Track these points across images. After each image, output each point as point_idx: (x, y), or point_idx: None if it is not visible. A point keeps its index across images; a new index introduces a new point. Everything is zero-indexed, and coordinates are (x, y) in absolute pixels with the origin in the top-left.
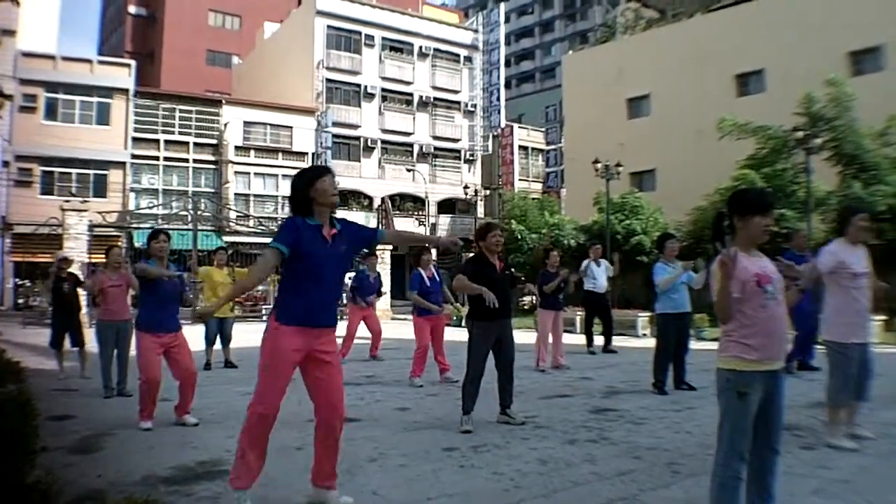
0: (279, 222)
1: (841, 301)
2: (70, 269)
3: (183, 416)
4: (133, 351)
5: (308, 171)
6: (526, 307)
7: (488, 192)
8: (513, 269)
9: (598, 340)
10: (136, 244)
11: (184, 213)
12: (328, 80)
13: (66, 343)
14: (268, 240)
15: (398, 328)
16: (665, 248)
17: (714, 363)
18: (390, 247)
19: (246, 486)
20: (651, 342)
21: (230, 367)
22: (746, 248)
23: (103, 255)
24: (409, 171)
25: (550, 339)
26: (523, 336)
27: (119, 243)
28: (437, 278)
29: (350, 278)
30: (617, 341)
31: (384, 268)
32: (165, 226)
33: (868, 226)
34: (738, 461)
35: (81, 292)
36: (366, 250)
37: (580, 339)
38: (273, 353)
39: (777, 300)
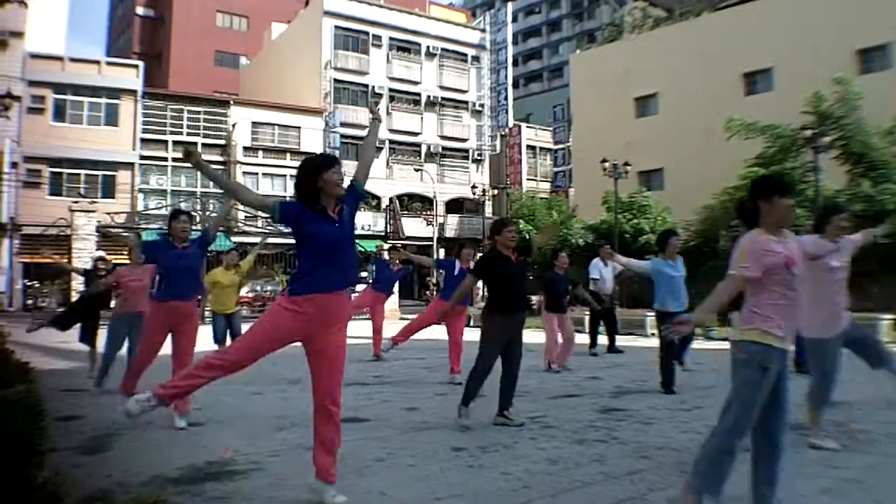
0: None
1: (817, 294)
2: (106, 268)
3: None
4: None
5: (314, 161)
6: (534, 307)
7: (496, 191)
8: (527, 259)
9: (602, 340)
10: None
11: (192, 213)
12: (336, 81)
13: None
14: (276, 240)
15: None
16: (668, 245)
17: (721, 364)
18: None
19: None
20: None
21: None
22: (774, 231)
23: (126, 254)
24: (416, 171)
25: (560, 339)
26: (530, 336)
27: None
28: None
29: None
30: (625, 340)
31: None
32: None
33: (847, 225)
34: (738, 438)
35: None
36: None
37: (585, 339)
38: (271, 319)
39: (800, 283)
